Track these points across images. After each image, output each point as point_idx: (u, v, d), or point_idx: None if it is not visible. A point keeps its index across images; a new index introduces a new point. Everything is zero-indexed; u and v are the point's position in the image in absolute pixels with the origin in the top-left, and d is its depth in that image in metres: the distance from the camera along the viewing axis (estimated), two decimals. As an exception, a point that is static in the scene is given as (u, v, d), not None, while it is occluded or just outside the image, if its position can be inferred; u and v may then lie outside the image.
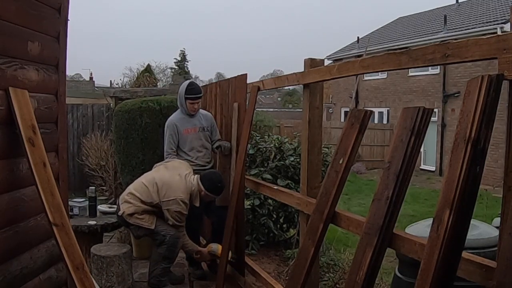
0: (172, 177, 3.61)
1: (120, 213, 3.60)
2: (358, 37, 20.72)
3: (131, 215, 3.55)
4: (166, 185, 3.55)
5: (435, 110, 14.26)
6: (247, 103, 3.92)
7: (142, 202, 3.56)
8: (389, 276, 3.74)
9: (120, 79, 30.24)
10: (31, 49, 2.28)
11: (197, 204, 3.67)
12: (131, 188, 3.68)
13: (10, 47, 2.11)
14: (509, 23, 12.36)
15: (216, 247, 3.81)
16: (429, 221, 1.92)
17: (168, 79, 27.54)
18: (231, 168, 3.98)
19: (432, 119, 1.87)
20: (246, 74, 3.90)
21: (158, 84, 10.16)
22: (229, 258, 3.79)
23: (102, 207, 4.50)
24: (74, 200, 4.50)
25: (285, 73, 3.77)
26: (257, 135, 5.69)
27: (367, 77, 17.74)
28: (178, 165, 3.81)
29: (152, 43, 78.95)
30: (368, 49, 11.85)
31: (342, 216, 2.27)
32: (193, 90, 4.03)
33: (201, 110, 4.21)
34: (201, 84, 5.65)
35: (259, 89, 3.68)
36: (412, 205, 8.78)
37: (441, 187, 1.53)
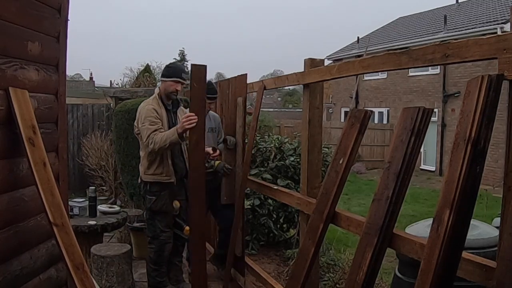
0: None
1: (139, 180, 3.64)
2: (358, 37, 20.73)
3: (146, 172, 3.54)
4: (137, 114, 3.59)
5: (435, 110, 14.26)
6: (247, 102, 3.93)
7: (141, 149, 3.60)
8: (389, 276, 3.74)
9: (120, 79, 30.24)
10: (31, 49, 2.28)
11: (172, 97, 3.61)
12: None
13: (10, 47, 2.11)
14: (509, 23, 12.37)
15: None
16: (429, 221, 1.92)
17: (168, 79, 27.44)
18: (236, 164, 3.98)
19: (432, 119, 1.86)
20: (246, 74, 3.90)
21: (158, 84, 10.16)
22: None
23: (102, 207, 4.49)
24: (74, 200, 4.50)
25: (285, 73, 3.77)
26: (257, 135, 5.70)
27: (367, 77, 17.74)
28: None
29: (153, 43, 79.20)
30: (368, 49, 11.86)
31: (342, 216, 2.27)
32: (212, 90, 4.01)
33: (210, 112, 4.20)
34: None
35: (265, 87, 3.64)
36: (412, 205, 8.78)
37: (441, 187, 1.53)
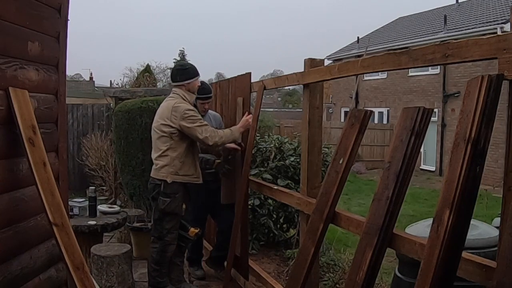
0: (158, 111, 3.55)
1: (169, 180, 3.42)
2: (358, 37, 20.73)
3: (179, 173, 3.45)
4: (159, 115, 3.48)
5: (435, 110, 14.26)
6: (249, 102, 3.91)
7: (169, 149, 3.42)
8: (389, 276, 3.74)
9: (120, 79, 30.27)
10: (31, 49, 2.28)
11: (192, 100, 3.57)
12: (153, 156, 3.54)
13: (10, 47, 2.11)
14: (509, 23, 12.36)
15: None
16: (429, 221, 1.92)
17: (168, 79, 27.57)
18: (236, 164, 3.96)
19: (432, 119, 1.86)
20: (250, 73, 3.84)
21: (158, 84, 10.16)
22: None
23: (102, 207, 4.49)
24: (74, 200, 4.50)
25: (285, 73, 3.76)
26: (257, 135, 5.69)
27: (367, 77, 17.74)
28: None
29: (153, 44, 78.96)
30: (368, 49, 11.86)
31: (342, 216, 2.27)
32: (204, 90, 3.90)
33: (210, 111, 4.18)
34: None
35: (265, 87, 3.61)
36: (412, 205, 8.78)
37: (441, 187, 1.53)
